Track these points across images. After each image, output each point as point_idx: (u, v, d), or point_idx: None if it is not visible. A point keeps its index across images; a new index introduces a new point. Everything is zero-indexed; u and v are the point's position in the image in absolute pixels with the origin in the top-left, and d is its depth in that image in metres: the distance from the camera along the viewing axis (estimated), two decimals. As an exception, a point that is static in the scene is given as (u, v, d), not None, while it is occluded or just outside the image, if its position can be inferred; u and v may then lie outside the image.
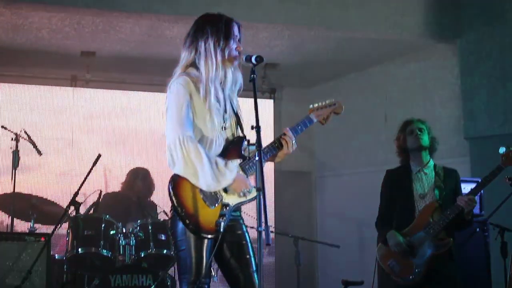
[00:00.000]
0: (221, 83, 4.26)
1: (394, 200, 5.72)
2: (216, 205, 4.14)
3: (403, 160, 5.77)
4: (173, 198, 4.13)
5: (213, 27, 4.29)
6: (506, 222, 6.06)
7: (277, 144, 4.21)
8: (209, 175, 4.08)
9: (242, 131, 4.04)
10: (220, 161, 4.12)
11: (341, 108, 4.41)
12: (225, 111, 4.28)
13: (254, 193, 4.09)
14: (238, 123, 4.28)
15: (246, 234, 4.23)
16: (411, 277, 5.47)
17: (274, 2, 7.67)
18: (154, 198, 7.81)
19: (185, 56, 4.35)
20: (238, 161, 4.21)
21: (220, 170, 4.10)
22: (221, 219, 4.10)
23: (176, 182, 4.15)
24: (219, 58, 4.23)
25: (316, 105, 4.37)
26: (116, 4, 7.37)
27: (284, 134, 4.22)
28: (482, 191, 6.05)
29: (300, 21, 7.86)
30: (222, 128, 4.24)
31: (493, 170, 5.33)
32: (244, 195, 4.15)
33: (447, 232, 5.49)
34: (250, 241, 4.20)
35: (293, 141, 4.22)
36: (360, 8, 7.96)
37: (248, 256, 4.19)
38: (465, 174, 7.06)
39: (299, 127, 4.28)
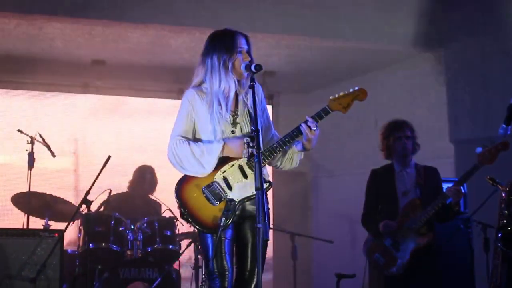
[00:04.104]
0: (227, 95, 4.25)
1: (379, 197, 5.73)
2: (219, 202, 4.15)
3: (387, 156, 5.78)
4: (177, 201, 4.20)
5: (216, 43, 4.31)
6: (488, 219, 6.05)
7: (296, 133, 4.17)
8: (194, 163, 4.16)
9: (258, 128, 3.93)
10: (201, 149, 4.18)
11: (365, 93, 4.29)
12: (236, 117, 4.28)
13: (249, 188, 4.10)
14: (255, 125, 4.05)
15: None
16: (394, 269, 5.49)
17: (272, 14, 7.67)
18: (160, 196, 7.79)
19: (197, 72, 4.37)
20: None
21: (201, 154, 4.16)
22: (223, 215, 4.08)
23: (179, 185, 4.22)
24: (222, 72, 4.23)
25: (337, 95, 4.26)
26: (125, 16, 7.36)
27: (305, 122, 4.15)
28: (466, 191, 6.07)
29: (296, 32, 7.86)
30: (230, 132, 4.25)
31: (470, 168, 5.35)
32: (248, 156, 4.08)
33: (428, 226, 5.50)
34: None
35: (315, 127, 4.14)
36: (352, 20, 7.95)
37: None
38: (450, 175, 7.08)
39: (315, 116, 4.18)
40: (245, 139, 4.06)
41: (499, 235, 5.28)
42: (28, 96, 9.20)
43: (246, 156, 4.12)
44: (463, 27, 8.11)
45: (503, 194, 5.36)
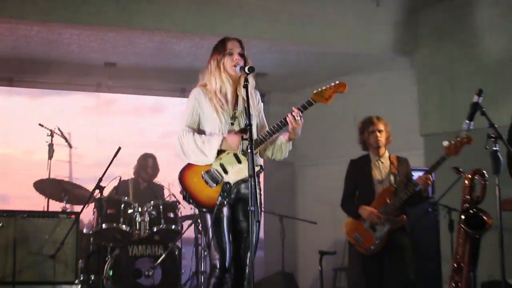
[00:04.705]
0: (224, 92, 4.29)
1: (357, 184, 5.75)
2: (217, 185, 4.19)
3: (364, 148, 5.81)
4: (180, 185, 4.25)
5: (213, 49, 4.38)
6: (453, 203, 6.10)
7: (283, 122, 4.19)
8: (196, 153, 4.20)
9: (250, 127, 3.94)
10: (203, 140, 4.22)
11: (344, 86, 4.27)
12: (235, 112, 4.31)
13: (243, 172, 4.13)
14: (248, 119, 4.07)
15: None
16: (372, 247, 5.51)
17: (264, 22, 7.69)
18: (165, 183, 7.82)
19: (202, 75, 4.40)
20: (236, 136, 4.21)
21: (203, 145, 4.20)
22: (219, 196, 4.13)
23: (182, 172, 4.26)
24: (216, 73, 4.30)
25: (319, 89, 4.25)
26: (133, 24, 7.37)
27: (291, 113, 4.17)
28: (434, 179, 6.10)
29: (285, 38, 7.88)
30: (230, 124, 4.27)
31: (438, 159, 5.37)
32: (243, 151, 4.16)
33: (401, 210, 5.53)
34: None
35: (299, 117, 4.16)
36: (334, 28, 7.97)
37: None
38: (420, 165, 7.11)
39: (300, 107, 4.19)
40: (242, 135, 4.14)
41: (462, 217, 5.31)
42: (48, 94, 9.23)
43: (241, 152, 4.19)
44: (433, 34, 8.13)
45: (466, 182, 5.37)
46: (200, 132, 4.32)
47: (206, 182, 4.21)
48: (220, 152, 4.22)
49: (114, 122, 9.35)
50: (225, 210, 4.20)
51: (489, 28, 7.64)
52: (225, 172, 4.22)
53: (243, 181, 4.19)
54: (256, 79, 4.44)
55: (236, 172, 4.21)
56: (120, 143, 6.27)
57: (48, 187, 7.11)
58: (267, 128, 4.34)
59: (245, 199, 4.12)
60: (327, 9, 7.89)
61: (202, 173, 4.22)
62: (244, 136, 4.09)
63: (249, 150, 3.86)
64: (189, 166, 4.28)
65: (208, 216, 4.19)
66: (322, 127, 8.91)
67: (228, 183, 4.19)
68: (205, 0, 7.52)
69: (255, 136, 4.18)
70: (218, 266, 4.14)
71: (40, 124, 7.35)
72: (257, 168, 4.02)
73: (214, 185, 4.20)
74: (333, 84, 4.28)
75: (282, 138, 4.31)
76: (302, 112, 4.18)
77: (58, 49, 8.17)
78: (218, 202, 4.13)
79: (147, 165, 7.81)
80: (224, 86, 4.29)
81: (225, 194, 4.15)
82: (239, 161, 4.22)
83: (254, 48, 7.79)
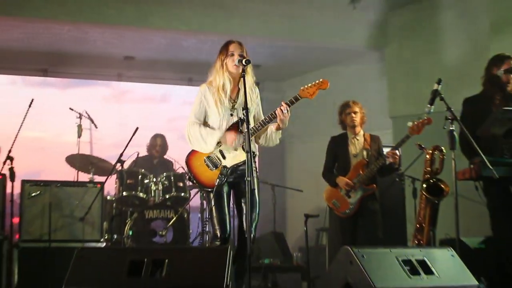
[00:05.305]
0: (225, 89, 4.26)
1: (336, 157, 5.72)
2: (216, 168, 4.21)
3: (343, 128, 5.78)
4: (186, 168, 4.31)
5: (219, 51, 4.34)
6: (416, 174, 6.09)
7: (272, 115, 4.20)
8: (200, 142, 4.21)
9: (247, 115, 3.92)
10: (206, 132, 4.22)
11: (326, 83, 4.28)
12: (234, 104, 4.29)
13: (243, 157, 4.07)
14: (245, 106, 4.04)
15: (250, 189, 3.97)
16: (347, 211, 5.50)
17: (259, 21, 7.71)
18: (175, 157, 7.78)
19: (210, 73, 4.37)
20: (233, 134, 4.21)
21: (206, 137, 4.21)
22: (218, 178, 4.16)
23: (188, 158, 4.31)
24: (220, 71, 4.28)
25: (306, 86, 4.28)
26: (148, 23, 7.41)
27: (279, 107, 4.18)
28: (400, 153, 6.08)
29: (276, 35, 7.89)
30: (230, 114, 4.27)
31: (403, 137, 5.34)
32: (236, 147, 4.17)
33: (372, 180, 5.51)
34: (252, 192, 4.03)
35: (286, 111, 4.17)
36: (318, 26, 7.98)
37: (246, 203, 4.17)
38: (389, 142, 7.06)
39: (287, 102, 4.20)
40: (240, 130, 4.16)
41: (424, 186, 5.31)
42: (75, 83, 9.18)
43: (237, 146, 4.19)
44: (400, 32, 8.13)
45: (427, 156, 5.38)
46: (206, 124, 4.31)
47: (208, 166, 4.24)
48: (219, 143, 4.24)
49: (130, 108, 9.28)
50: (225, 188, 4.22)
51: (448, 28, 7.64)
52: (223, 157, 4.24)
53: (237, 165, 4.20)
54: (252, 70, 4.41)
55: (233, 158, 4.23)
56: (134, 125, 6.22)
57: (77, 160, 7.08)
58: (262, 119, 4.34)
59: (243, 176, 4.06)
60: (312, 11, 7.88)
61: (204, 158, 4.25)
62: (240, 128, 4.14)
63: (245, 130, 3.87)
64: (193, 152, 4.31)
65: (211, 195, 4.19)
66: (307, 110, 8.81)
67: (225, 167, 4.21)
68: (209, 3, 7.52)
69: (252, 123, 4.19)
70: (219, 235, 4.15)
71: (70, 108, 7.31)
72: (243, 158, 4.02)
73: (214, 168, 4.22)
74: (317, 82, 4.29)
75: (273, 127, 4.32)
76: (289, 106, 4.20)
77: (85, 45, 8.12)
78: (216, 183, 4.15)
79: (157, 143, 7.76)
80: (226, 83, 4.28)
81: (223, 176, 4.17)
82: (235, 149, 4.23)
83: (249, 43, 7.55)
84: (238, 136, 4.18)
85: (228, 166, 4.21)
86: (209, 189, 4.19)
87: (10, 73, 8.88)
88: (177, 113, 9.27)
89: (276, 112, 4.17)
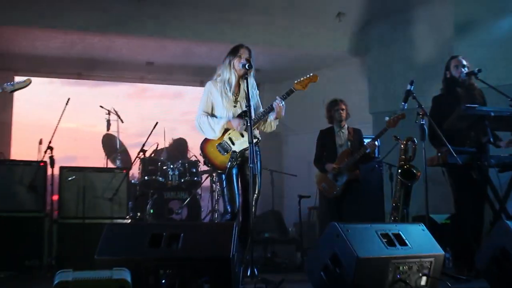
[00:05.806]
0: (230, 83, 4.30)
1: (324, 147, 5.75)
2: (227, 153, 4.24)
3: (329, 122, 5.79)
4: (201, 154, 4.32)
5: (230, 51, 4.37)
6: (392, 161, 6.11)
7: (269, 108, 4.27)
8: (209, 130, 4.25)
9: (249, 108, 4.03)
10: (213, 121, 4.25)
11: (316, 77, 4.36)
12: (237, 97, 4.31)
13: (245, 143, 4.14)
14: (248, 103, 4.13)
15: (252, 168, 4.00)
16: (334, 192, 5.54)
17: (259, 32, 7.73)
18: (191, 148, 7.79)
19: (218, 69, 4.38)
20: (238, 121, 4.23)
21: (213, 125, 4.24)
22: (229, 161, 4.19)
23: (202, 145, 4.33)
24: (227, 67, 4.30)
25: (299, 79, 4.34)
26: (166, 34, 7.45)
27: (275, 100, 4.24)
28: (379, 144, 6.09)
29: (273, 44, 7.92)
30: (233, 106, 4.30)
31: (381, 130, 5.37)
32: (241, 132, 4.21)
33: (355, 166, 5.53)
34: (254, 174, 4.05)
35: (282, 103, 4.22)
36: (309, 36, 8.03)
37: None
38: (369, 134, 7.06)
39: (284, 95, 4.27)
40: (244, 117, 4.18)
41: (399, 171, 5.33)
42: (104, 84, 9.17)
43: (242, 131, 4.22)
44: (379, 41, 8.11)
45: (402, 146, 5.39)
46: (213, 115, 4.33)
47: (219, 151, 4.27)
48: (228, 129, 4.27)
49: (150, 104, 9.26)
50: (234, 170, 4.25)
51: (418, 37, 7.63)
52: (233, 143, 4.27)
53: (245, 149, 4.23)
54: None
55: (240, 143, 4.27)
56: (153, 119, 6.26)
57: (109, 142, 7.25)
58: (261, 109, 4.38)
59: (248, 160, 4.12)
60: (304, 23, 7.89)
61: (216, 145, 4.27)
62: (244, 116, 4.15)
63: (248, 124, 3.96)
64: (206, 140, 4.33)
65: (223, 176, 4.22)
66: (301, 107, 8.84)
67: (234, 151, 4.24)
68: (217, 17, 7.53)
69: (253, 114, 4.21)
70: (229, 211, 4.18)
71: (101, 106, 7.34)
72: (255, 140, 4.11)
73: (225, 153, 4.25)
74: (308, 76, 4.37)
75: (271, 116, 4.35)
76: (285, 99, 4.25)
77: (112, 52, 8.13)
78: (228, 166, 4.18)
79: (178, 151, 7.64)
80: (231, 78, 4.30)
81: (233, 159, 4.20)
82: (242, 136, 4.27)
83: (251, 51, 7.73)
84: (243, 121, 4.20)
85: (237, 151, 4.24)
86: (222, 171, 4.20)
87: (50, 76, 8.87)
88: (189, 108, 9.25)
89: (274, 104, 4.24)
